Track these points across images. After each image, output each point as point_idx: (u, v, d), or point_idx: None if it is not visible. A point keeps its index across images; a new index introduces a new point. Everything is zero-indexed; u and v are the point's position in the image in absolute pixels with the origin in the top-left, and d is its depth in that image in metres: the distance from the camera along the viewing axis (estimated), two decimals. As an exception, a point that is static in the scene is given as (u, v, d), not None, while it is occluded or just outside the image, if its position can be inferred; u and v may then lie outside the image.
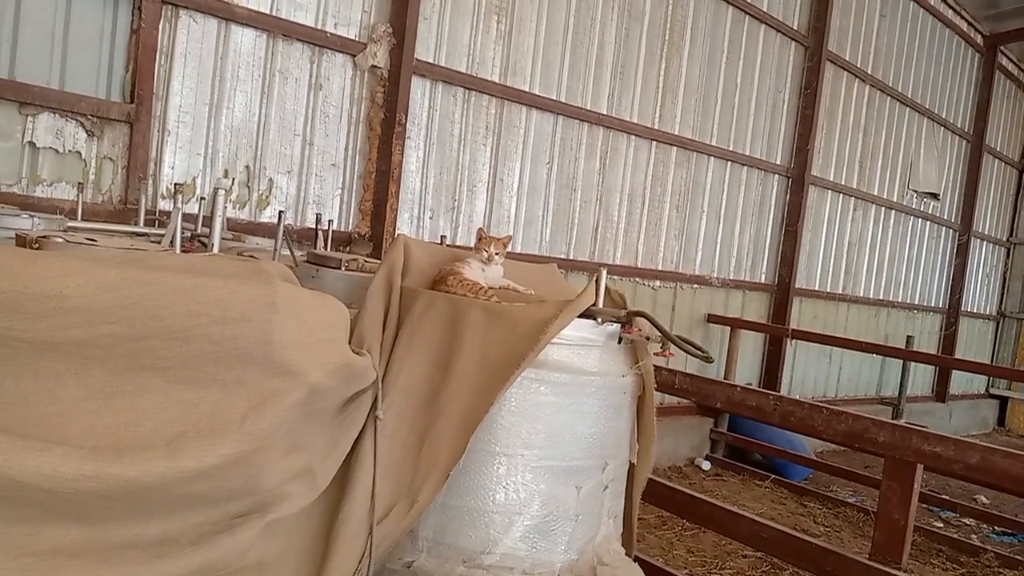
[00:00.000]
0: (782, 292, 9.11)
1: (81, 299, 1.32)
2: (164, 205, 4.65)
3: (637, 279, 7.62)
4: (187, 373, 1.45)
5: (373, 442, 2.08)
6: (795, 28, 8.79)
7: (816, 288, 9.82)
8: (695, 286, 8.24)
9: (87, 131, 4.40)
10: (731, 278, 8.63)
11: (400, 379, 2.18)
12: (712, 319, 8.41)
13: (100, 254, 1.57)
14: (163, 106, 4.65)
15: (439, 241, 4.52)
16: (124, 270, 1.38)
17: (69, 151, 4.36)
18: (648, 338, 2.25)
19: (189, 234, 3.03)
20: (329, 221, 4.76)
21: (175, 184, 4.47)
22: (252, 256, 3.11)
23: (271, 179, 5.14)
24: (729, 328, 8.43)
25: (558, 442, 2.23)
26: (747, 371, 8.86)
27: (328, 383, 1.66)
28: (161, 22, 4.57)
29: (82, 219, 3.93)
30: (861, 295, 10.64)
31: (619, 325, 2.26)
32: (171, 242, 2.18)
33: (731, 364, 8.34)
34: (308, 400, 1.60)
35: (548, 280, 2.89)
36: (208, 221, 4.58)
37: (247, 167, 5.03)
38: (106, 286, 1.34)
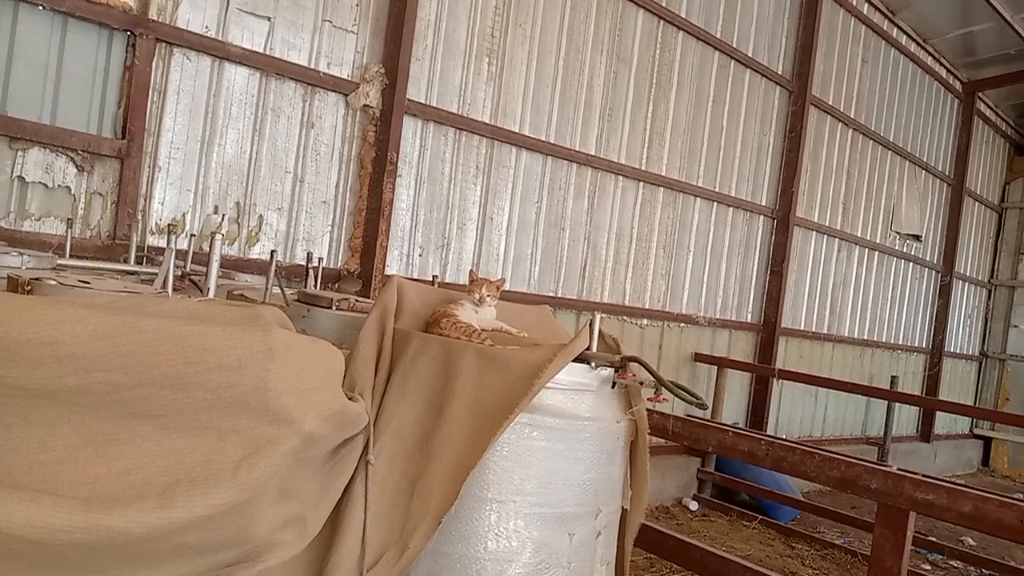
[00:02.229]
0: (768, 332, 9.15)
1: (76, 346, 1.30)
2: (153, 241, 4.63)
3: (625, 317, 7.63)
4: (181, 421, 1.43)
5: (364, 488, 2.05)
6: (780, 73, 8.96)
7: (802, 328, 9.87)
8: (682, 325, 8.26)
9: (77, 166, 4.39)
10: (717, 317, 8.67)
11: (392, 423, 2.16)
12: (699, 358, 8.43)
13: (95, 299, 1.56)
14: (155, 142, 4.65)
15: (430, 280, 4.52)
16: (120, 317, 1.36)
17: (58, 186, 4.34)
18: (642, 383, 2.25)
19: (180, 272, 3.01)
20: (319, 259, 4.75)
21: (168, 224, 4.45)
22: (243, 296, 3.10)
23: (261, 215, 5.14)
24: (716, 367, 8.44)
25: (551, 488, 2.21)
26: (734, 411, 8.87)
27: (323, 430, 1.65)
28: (155, 60, 4.60)
29: (70, 255, 3.91)
30: (846, 335, 10.71)
31: (613, 370, 2.26)
32: (164, 283, 2.17)
33: (718, 404, 8.33)
34: (302, 448, 1.58)
35: (540, 322, 2.89)
36: (198, 258, 4.58)
37: (237, 203, 5.03)
38: (101, 333, 1.32)
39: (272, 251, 3.01)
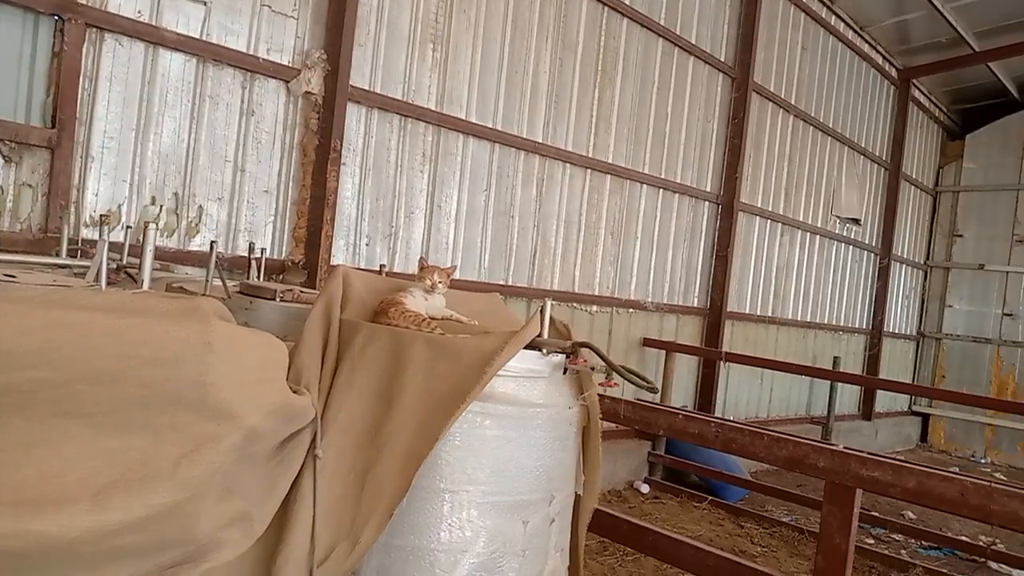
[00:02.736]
0: (714, 316, 9.29)
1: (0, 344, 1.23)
2: (88, 234, 4.46)
3: (575, 304, 7.66)
4: (116, 419, 1.36)
5: (312, 482, 2.00)
6: (722, 60, 9.07)
7: (747, 311, 10.05)
8: (631, 310, 8.33)
9: (4, 157, 4.19)
10: (665, 302, 8.76)
11: (340, 416, 2.11)
12: (648, 343, 8.51)
13: (22, 293, 1.48)
14: (87, 131, 4.47)
15: (378, 270, 4.45)
16: (47, 311, 1.29)
17: (-17, 178, 4.14)
18: (593, 368, 2.24)
19: (115, 265, 2.90)
20: (262, 250, 4.64)
21: (100, 215, 4.29)
22: (183, 289, 3.00)
23: (201, 206, 4.99)
24: (664, 352, 8.55)
25: (504, 477, 2.19)
26: (682, 394, 8.99)
27: (267, 425, 1.59)
28: (85, 45, 4.41)
29: (-2, 249, 3.74)
30: (790, 318, 10.94)
31: (565, 356, 2.24)
32: (96, 275, 2.07)
33: (667, 387, 8.44)
34: (245, 444, 1.53)
35: (491, 310, 2.86)
36: (135, 250, 4.42)
37: (175, 194, 4.87)
38: (27, 329, 1.25)
39: (212, 242, 2.92)
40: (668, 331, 8.87)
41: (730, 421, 2.95)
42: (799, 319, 11.15)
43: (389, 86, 5.88)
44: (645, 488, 7.92)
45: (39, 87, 4.31)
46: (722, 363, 8.98)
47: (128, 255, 4.12)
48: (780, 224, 10.47)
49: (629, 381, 2.15)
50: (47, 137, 4.29)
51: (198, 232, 4.99)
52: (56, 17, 4.29)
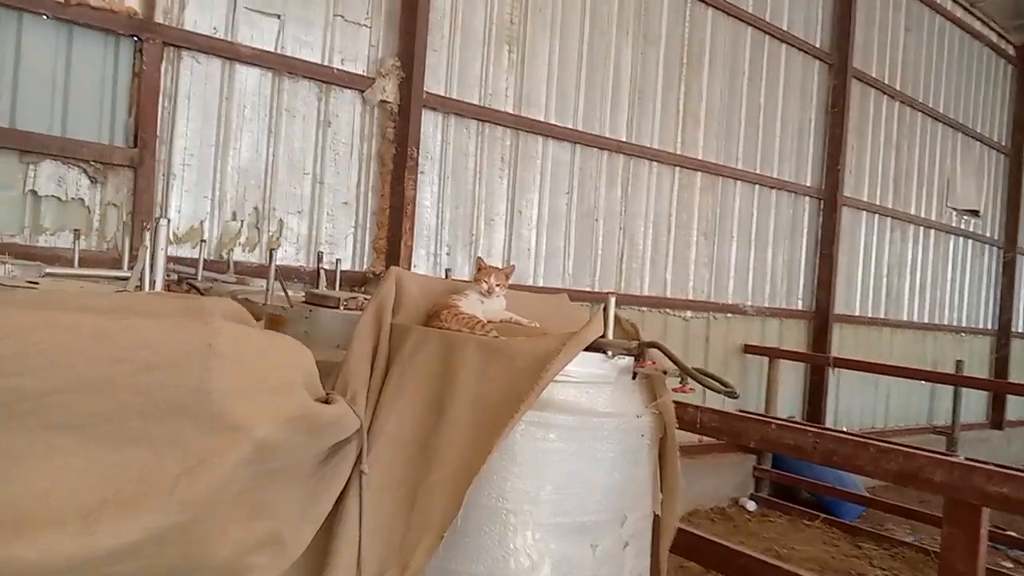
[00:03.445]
0: (821, 319, 8.73)
1: (-26, 348, 1.12)
2: (172, 251, 4.51)
3: (667, 310, 7.33)
4: (109, 430, 1.24)
5: (359, 500, 1.84)
6: (817, 46, 8.55)
7: (856, 313, 9.41)
8: (729, 315, 7.92)
9: (90, 177, 4.29)
10: (766, 306, 8.29)
11: (388, 426, 1.95)
12: (748, 349, 8.06)
13: (15, 296, 1.39)
14: (168, 149, 4.54)
15: (444, 275, 4.31)
16: (31, 312, 1.18)
17: (72, 199, 4.25)
18: (665, 372, 1.99)
19: (176, 276, 2.85)
20: (337, 260, 4.58)
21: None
22: (248, 300, 2.93)
23: (281, 220, 5.00)
24: (767, 359, 8.07)
25: (568, 495, 1.96)
26: (789, 403, 8.46)
27: (283, 437, 1.44)
28: (163, 64, 4.49)
29: (80, 267, 3.81)
30: (905, 319, 10.20)
31: (632, 358, 2.01)
32: (141, 280, 1.99)
33: (771, 396, 7.96)
34: (258, 458, 1.37)
35: (558, 311, 2.65)
36: (217, 266, 4.45)
37: (256, 208, 4.89)
38: (7, 331, 1.14)
39: (271, 250, 2.84)
40: (771, 336, 8.38)
41: (831, 431, 2.61)
42: (915, 320, 10.38)
43: (465, 91, 5.77)
44: (751, 505, 7.46)
45: (121, 108, 4.40)
46: (831, 369, 8.39)
47: (206, 270, 4.16)
48: (889, 219, 9.78)
49: (703, 384, 1.89)
50: (130, 156, 4.37)
51: (279, 246, 4.99)
52: (135, 38, 4.37)
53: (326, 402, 1.72)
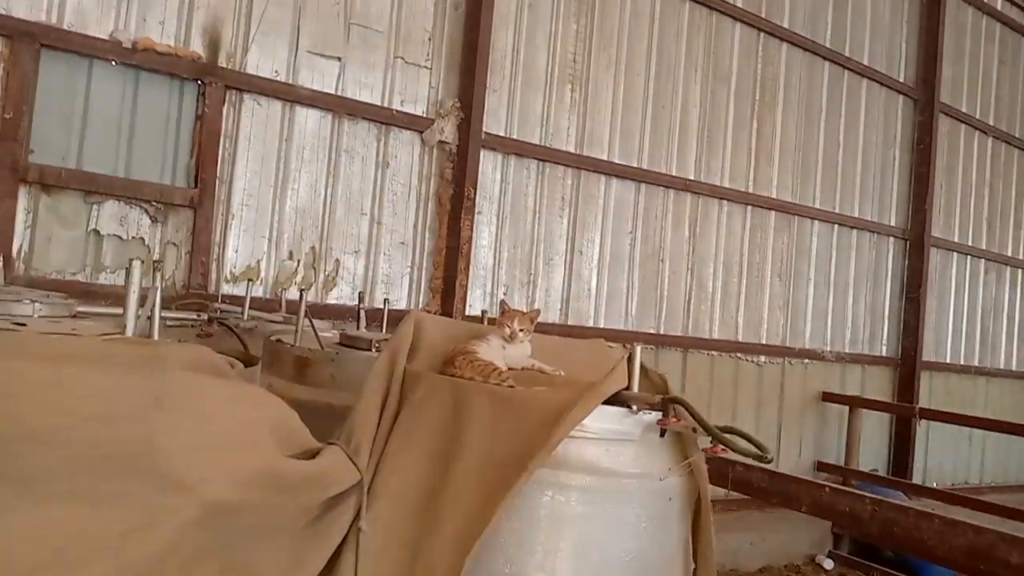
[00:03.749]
0: (907, 366, 8.20)
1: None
2: (228, 289, 4.57)
3: (739, 355, 7.01)
4: (55, 486, 1.15)
5: (354, 560, 1.72)
6: (902, 80, 8.18)
7: (947, 361, 8.81)
8: (806, 361, 7.51)
9: (151, 217, 4.39)
10: (847, 351, 7.84)
11: (392, 482, 1.83)
12: (828, 397, 7.62)
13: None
14: (227, 189, 4.61)
15: (479, 315, 4.20)
16: (-20, 359, 1.12)
17: (133, 237, 4.35)
18: (695, 429, 1.81)
19: (207, 316, 2.83)
20: (385, 300, 4.52)
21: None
22: (280, 341, 2.88)
23: (338, 259, 5.01)
24: (848, 408, 7.60)
25: (586, 564, 1.79)
26: (872, 456, 7.93)
27: (244, 496, 1.32)
28: (225, 107, 4.59)
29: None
30: (1001, 367, 9.50)
31: (658, 414, 1.83)
32: (142, 321, 1.93)
33: (852, 449, 7.48)
34: (213, 519, 1.27)
35: (592, 358, 2.47)
36: (273, 305, 4.46)
37: (313, 248, 4.92)
38: (-54, 380, 1.08)
39: (301, 290, 2.78)
40: (852, 384, 7.91)
41: (882, 499, 2.32)
42: (1014, 369, 9.65)
43: (525, 130, 5.71)
44: (829, 564, 6.97)
45: (184, 149, 4.50)
46: (918, 421, 7.83)
47: (259, 310, 4.16)
48: (983, 260, 9.18)
49: (730, 447, 1.69)
50: (189, 197, 4.46)
51: (335, 285, 5.00)
52: (199, 81, 4.49)
53: (316, 454, 1.61)
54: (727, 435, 1.71)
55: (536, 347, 2.25)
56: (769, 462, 1.70)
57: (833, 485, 2.59)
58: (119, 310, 1.76)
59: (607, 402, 1.81)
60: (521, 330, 2.16)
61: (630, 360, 1.84)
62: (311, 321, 2.72)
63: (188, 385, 1.28)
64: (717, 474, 2.14)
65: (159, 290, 1.91)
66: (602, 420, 1.81)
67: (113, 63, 4.23)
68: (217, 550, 1.32)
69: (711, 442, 1.76)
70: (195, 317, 2.90)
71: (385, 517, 1.79)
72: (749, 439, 1.71)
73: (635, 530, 1.83)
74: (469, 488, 1.76)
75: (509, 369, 2.08)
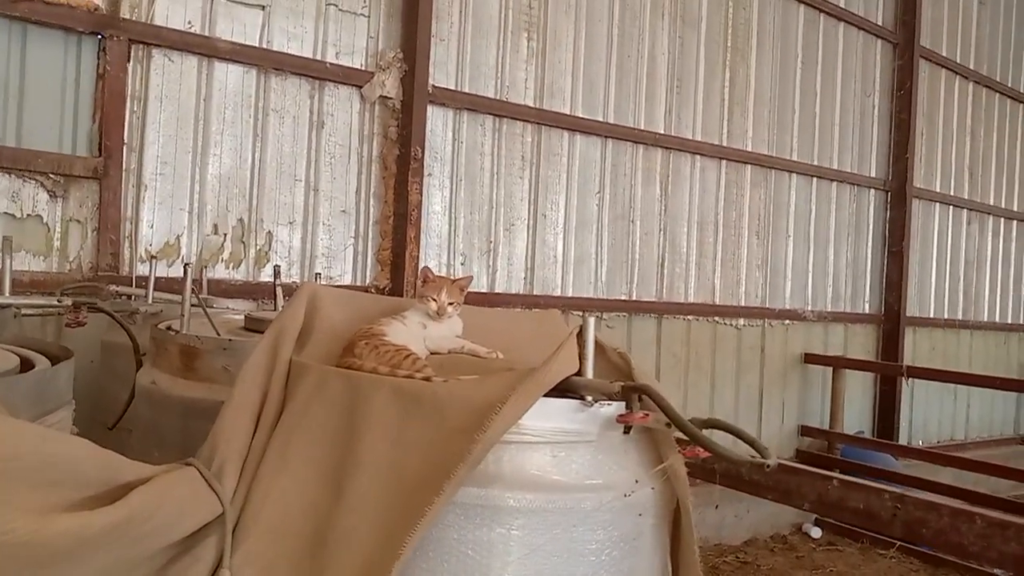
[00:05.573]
0: (891, 323, 7.87)
1: None
2: (143, 270, 4.03)
3: (716, 318, 6.61)
4: None
5: (214, 623, 1.25)
6: (880, 24, 7.73)
7: (931, 315, 8.51)
8: (786, 322, 7.14)
9: (48, 192, 3.84)
10: (829, 310, 7.48)
11: (268, 511, 1.36)
12: (809, 359, 7.27)
13: None
14: (138, 158, 4.07)
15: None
16: None
17: (28, 215, 3.80)
18: (669, 424, 1.35)
19: (70, 301, 2.32)
20: (276, 268, 3.99)
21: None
22: (170, 328, 2.38)
23: (270, 232, 4.49)
24: (831, 368, 7.26)
25: (530, 608, 1.34)
26: (856, 418, 7.61)
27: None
28: (131, 64, 4.03)
29: (38, 288, 3.38)
30: (985, 320, 9.23)
31: (621, 406, 1.37)
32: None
33: (836, 411, 7.16)
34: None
35: (541, 334, 2.00)
36: (173, 286, 3.94)
37: (241, 220, 4.40)
38: None
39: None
40: (835, 344, 7.57)
41: (906, 494, 1.88)
42: (997, 321, 9.39)
43: (478, 83, 5.19)
44: (816, 532, 6.66)
45: (84, 114, 3.94)
46: (904, 379, 7.51)
47: (192, 291, 3.64)
48: (965, 210, 8.85)
49: (710, 450, 1.23)
50: (93, 167, 3.91)
51: (268, 260, 4.49)
52: (98, 36, 3.92)
53: (146, 482, 1.14)
54: (710, 432, 1.25)
55: (469, 324, 1.78)
56: (770, 468, 1.25)
57: (842, 477, 2.14)
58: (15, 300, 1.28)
59: (553, 393, 1.35)
60: (450, 304, 1.69)
61: (580, 335, 1.37)
62: (202, 304, 2.23)
63: None
64: (700, 467, 1.70)
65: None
66: (546, 417, 1.35)
67: (-7, 16, 3.65)
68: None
69: (683, 445, 1.31)
70: (55, 303, 2.38)
71: (260, 560, 1.33)
72: (740, 435, 1.26)
73: (596, 561, 1.38)
74: (368, 518, 1.29)
75: (433, 355, 1.61)
